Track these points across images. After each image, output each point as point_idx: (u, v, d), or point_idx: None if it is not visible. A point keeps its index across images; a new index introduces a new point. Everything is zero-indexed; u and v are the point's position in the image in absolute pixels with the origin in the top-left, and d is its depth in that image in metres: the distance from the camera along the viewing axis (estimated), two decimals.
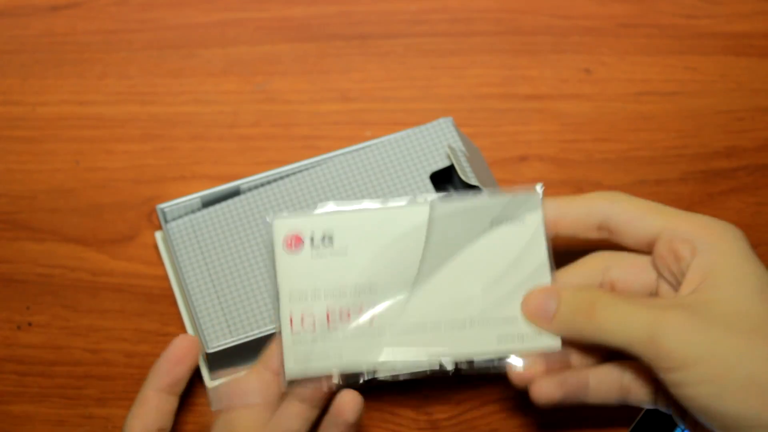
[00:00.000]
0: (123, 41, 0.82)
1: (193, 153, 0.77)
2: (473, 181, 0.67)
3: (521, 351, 0.59)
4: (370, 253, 0.59)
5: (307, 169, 0.70)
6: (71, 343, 0.70)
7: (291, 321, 0.59)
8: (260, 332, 0.65)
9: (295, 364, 0.59)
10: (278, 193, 0.69)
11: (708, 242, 0.57)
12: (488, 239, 0.59)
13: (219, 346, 0.64)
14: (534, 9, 0.83)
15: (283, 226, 0.59)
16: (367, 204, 0.60)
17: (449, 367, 0.59)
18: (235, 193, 0.69)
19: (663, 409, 0.61)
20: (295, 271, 0.59)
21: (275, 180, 0.69)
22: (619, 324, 0.56)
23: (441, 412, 0.68)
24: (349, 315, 0.59)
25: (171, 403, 0.62)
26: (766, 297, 0.56)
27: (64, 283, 0.72)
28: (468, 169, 0.68)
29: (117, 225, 0.74)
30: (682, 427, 0.64)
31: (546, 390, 0.60)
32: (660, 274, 0.60)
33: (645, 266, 0.61)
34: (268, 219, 0.60)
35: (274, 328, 0.65)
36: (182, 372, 0.62)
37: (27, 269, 0.73)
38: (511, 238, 0.59)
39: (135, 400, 0.62)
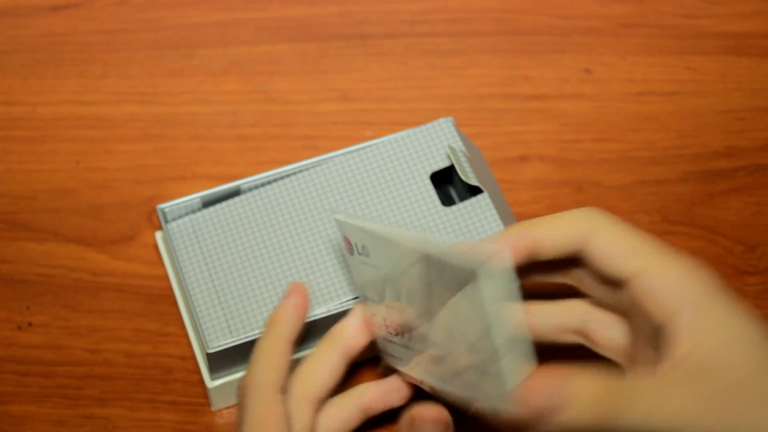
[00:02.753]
0: (123, 41, 0.82)
1: (193, 153, 0.77)
2: (473, 182, 0.67)
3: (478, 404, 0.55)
4: (395, 274, 0.58)
5: (307, 169, 0.70)
6: (71, 343, 0.70)
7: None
8: (260, 332, 0.65)
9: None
10: (278, 193, 0.69)
11: (691, 302, 0.53)
12: (462, 298, 0.54)
13: (219, 346, 0.64)
14: (534, 9, 0.83)
15: (345, 226, 0.59)
16: (392, 228, 0.57)
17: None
18: (235, 193, 0.69)
19: None
20: (357, 272, 0.60)
21: (275, 180, 0.69)
22: (646, 420, 0.51)
23: None
24: (393, 326, 0.59)
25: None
26: (755, 351, 0.52)
27: (64, 283, 0.72)
28: (468, 170, 0.68)
29: (117, 225, 0.74)
30: None
31: None
32: (630, 320, 0.56)
33: (621, 323, 0.57)
34: (336, 216, 0.59)
35: None
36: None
37: (27, 269, 0.73)
38: (475, 306, 0.53)
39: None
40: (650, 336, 0.54)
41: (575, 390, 0.51)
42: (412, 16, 0.83)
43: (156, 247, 0.72)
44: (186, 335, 0.69)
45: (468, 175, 0.68)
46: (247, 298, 0.66)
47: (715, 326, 0.52)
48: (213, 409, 0.68)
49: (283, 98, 0.79)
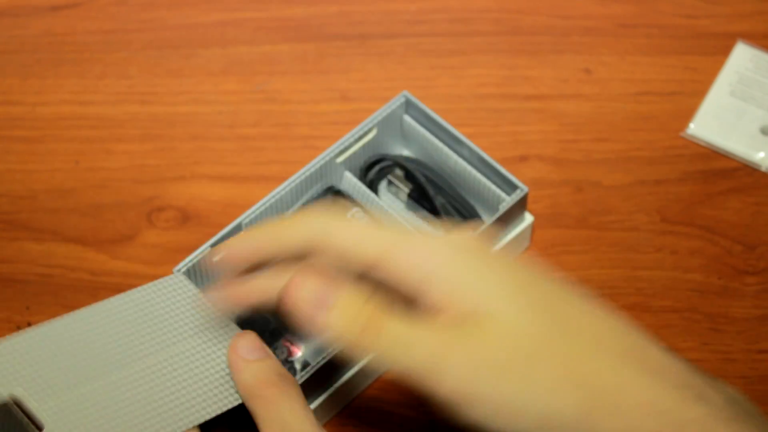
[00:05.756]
0: (123, 41, 0.82)
1: (193, 153, 0.77)
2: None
3: None
4: None
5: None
6: None
7: None
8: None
9: None
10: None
11: (440, 267, 0.51)
12: None
13: None
14: (534, 9, 0.83)
15: None
16: None
17: None
18: (237, 230, 0.67)
19: None
20: None
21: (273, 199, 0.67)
22: (404, 346, 0.50)
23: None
24: None
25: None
26: (532, 316, 0.50)
27: (64, 283, 0.72)
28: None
29: (117, 225, 0.74)
30: None
31: None
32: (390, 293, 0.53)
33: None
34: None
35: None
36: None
37: (27, 269, 0.73)
38: None
39: None
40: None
41: (342, 299, 0.51)
42: (412, 16, 0.83)
43: (156, 246, 0.72)
44: None
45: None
46: None
47: (472, 286, 0.51)
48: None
49: (282, 98, 0.79)
